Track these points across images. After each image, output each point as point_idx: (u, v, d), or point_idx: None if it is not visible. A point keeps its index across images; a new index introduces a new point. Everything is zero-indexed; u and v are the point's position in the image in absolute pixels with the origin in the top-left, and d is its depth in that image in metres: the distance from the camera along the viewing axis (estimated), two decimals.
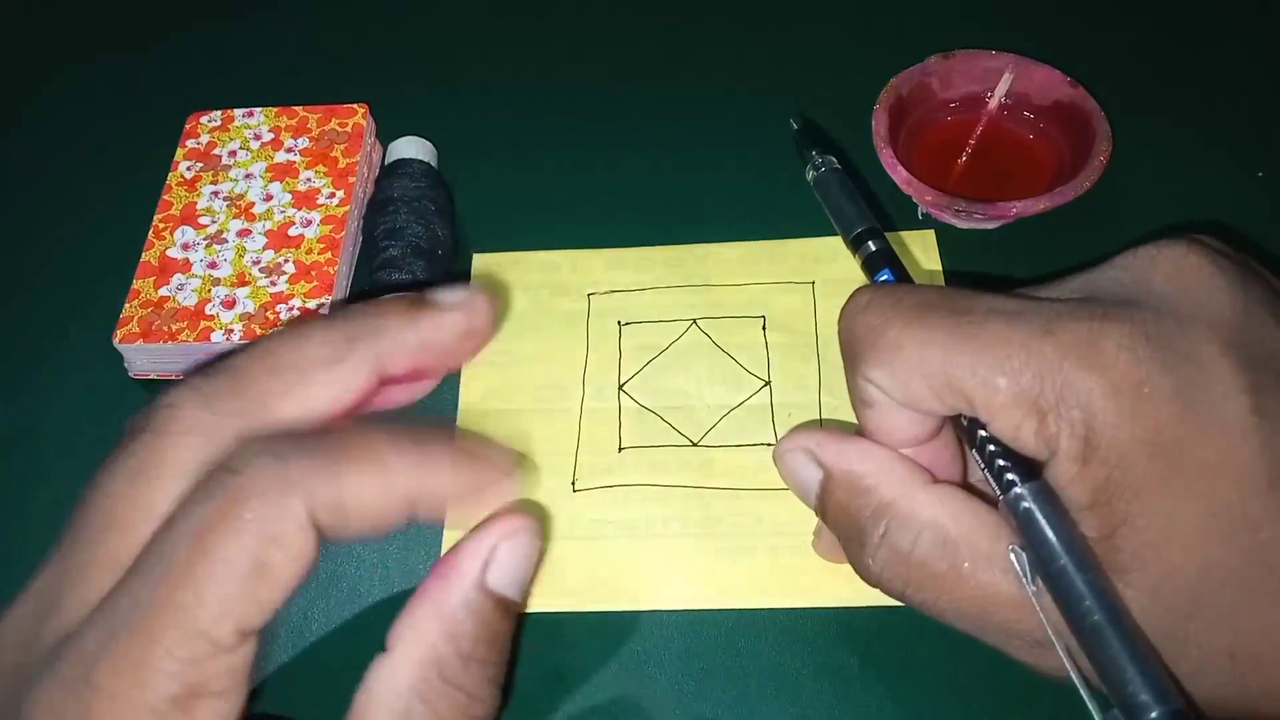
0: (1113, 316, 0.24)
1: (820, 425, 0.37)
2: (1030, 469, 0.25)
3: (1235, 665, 0.24)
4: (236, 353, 0.24)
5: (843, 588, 0.33)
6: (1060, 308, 0.25)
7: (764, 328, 0.39)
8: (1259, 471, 0.23)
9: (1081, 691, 0.24)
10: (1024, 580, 0.25)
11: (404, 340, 0.25)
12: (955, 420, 0.27)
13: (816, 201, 0.33)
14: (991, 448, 0.26)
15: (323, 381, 0.24)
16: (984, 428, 0.26)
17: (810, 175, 0.34)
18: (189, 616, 0.20)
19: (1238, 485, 0.23)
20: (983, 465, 0.26)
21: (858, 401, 0.27)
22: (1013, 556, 0.25)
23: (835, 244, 0.41)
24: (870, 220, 0.32)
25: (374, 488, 0.22)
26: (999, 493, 0.25)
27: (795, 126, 0.36)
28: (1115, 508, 0.24)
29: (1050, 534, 0.24)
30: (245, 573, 0.21)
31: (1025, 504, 0.25)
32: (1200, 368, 0.23)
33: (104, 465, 0.23)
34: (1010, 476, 0.25)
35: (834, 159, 0.34)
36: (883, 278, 0.31)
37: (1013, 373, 0.24)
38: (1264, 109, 0.45)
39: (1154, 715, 0.22)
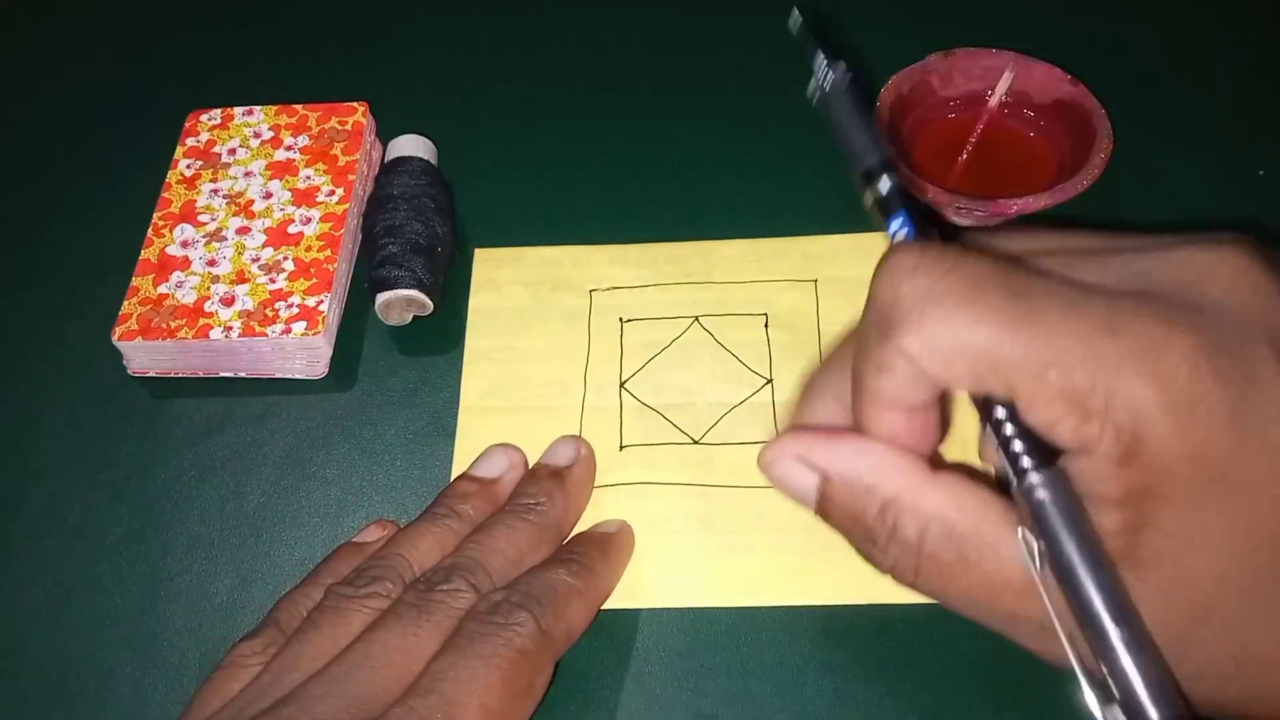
0: (1179, 326, 0.23)
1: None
2: (1046, 453, 0.24)
3: (1241, 670, 0.24)
4: None
5: (844, 586, 0.33)
6: (1123, 305, 0.23)
7: (766, 325, 0.39)
8: None
9: (1082, 682, 0.24)
10: (1031, 565, 0.24)
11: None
12: (971, 394, 0.26)
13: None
14: (1009, 429, 0.25)
15: None
16: (1007, 407, 0.25)
17: (813, 90, 0.29)
18: None
19: (1276, 505, 0.23)
20: (997, 446, 0.25)
21: (874, 366, 0.25)
22: (1020, 541, 0.24)
23: (839, 242, 0.41)
24: (883, 151, 0.28)
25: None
26: (1012, 476, 0.25)
27: (798, 18, 0.29)
28: (1144, 509, 0.23)
29: (1063, 527, 0.24)
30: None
31: (1039, 494, 0.24)
32: (1257, 386, 0.23)
33: None
34: (1025, 463, 0.24)
35: (844, 66, 0.28)
36: (897, 222, 0.27)
37: (1066, 369, 0.23)
38: (1264, 108, 0.45)
39: (1154, 719, 0.22)
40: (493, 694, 0.27)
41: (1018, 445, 0.25)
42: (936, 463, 0.27)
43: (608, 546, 0.33)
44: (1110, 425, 0.23)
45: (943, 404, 0.28)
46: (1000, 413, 0.25)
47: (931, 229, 0.27)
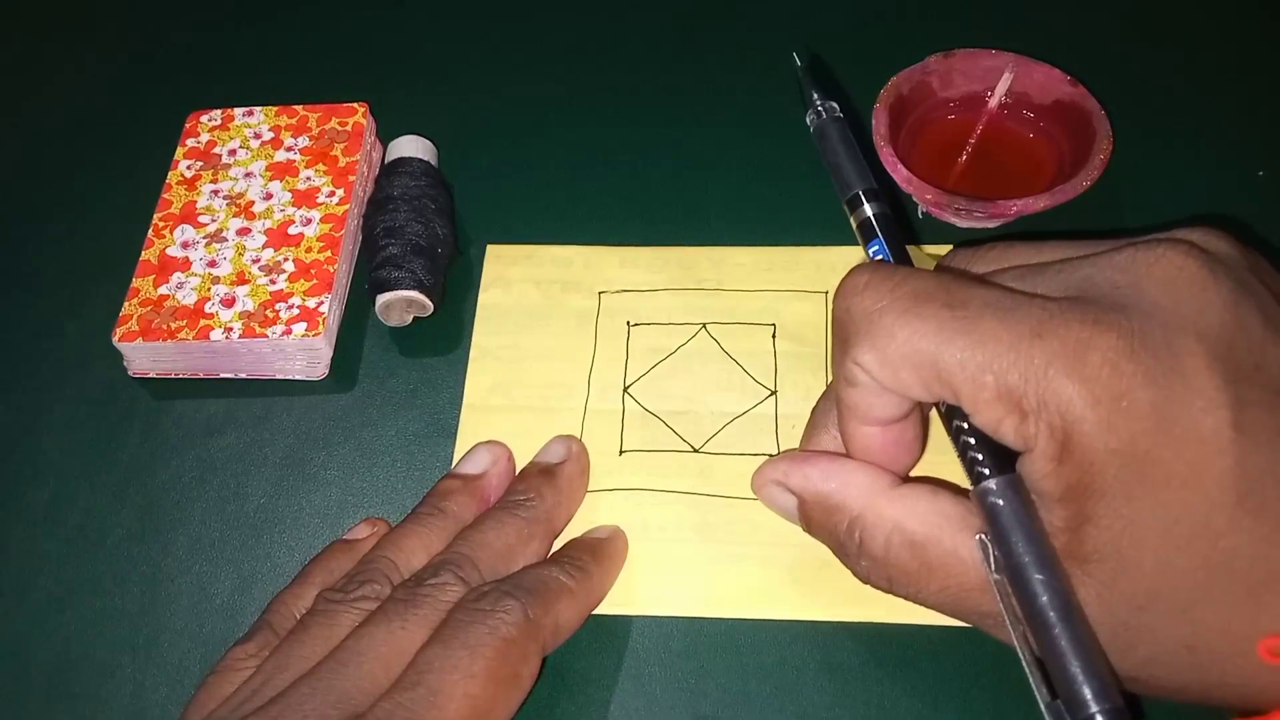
0: (1102, 325, 0.24)
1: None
2: (1003, 459, 0.26)
3: (1193, 656, 0.25)
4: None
5: (836, 602, 0.33)
6: (1053, 309, 0.25)
7: (774, 336, 0.39)
8: (1228, 486, 0.23)
9: (1030, 679, 0.25)
10: (988, 568, 0.26)
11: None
12: (935, 405, 0.28)
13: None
14: (967, 439, 0.26)
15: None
16: (963, 418, 0.26)
17: (810, 121, 0.32)
18: None
19: (1205, 497, 0.23)
20: (958, 453, 0.27)
21: (842, 380, 0.28)
22: (978, 546, 0.26)
23: (851, 253, 0.40)
24: (869, 180, 0.31)
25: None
26: (970, 481, 0.26)
27: (799, 63, 0.33)
28: (1083, 505, 0.24)
29: (1012, 530, 0.25)
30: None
31: (992, 498, 0.26)
32: (1183, 381, 0.24)
33: None
34: (981, 469, 0.26)
35: (836, 106, 0.32)
36: (874, 247, 0.30)
37: (1000, 372, 0.24)
38: (1264, 109, 0.45)
39: (1092, 711, 0.23)
40: (477, 683, 0.27)
41: (974, 453, 0.26)
42: (906, 478, 0.29)
43: (600, 550, 0.33)
44: (1044, 424, 0.24)
45: (924, 422, 0.30)
46: (957, 424, 0.27)
47: (904, 249, 0.30)
